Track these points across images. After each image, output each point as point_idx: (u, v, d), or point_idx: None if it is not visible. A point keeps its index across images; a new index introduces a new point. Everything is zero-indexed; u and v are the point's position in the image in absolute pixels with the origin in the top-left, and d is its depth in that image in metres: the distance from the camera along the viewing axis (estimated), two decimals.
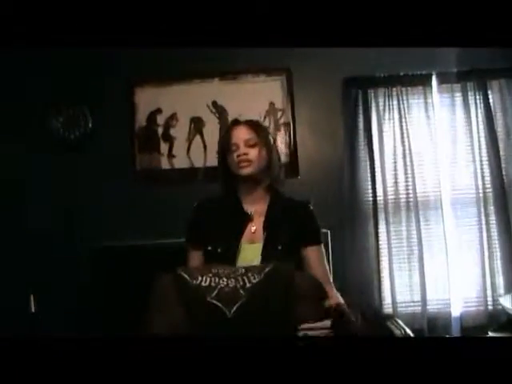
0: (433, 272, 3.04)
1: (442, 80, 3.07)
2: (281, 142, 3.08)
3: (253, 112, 3.04)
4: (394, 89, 3.07)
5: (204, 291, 1.62)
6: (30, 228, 3.00)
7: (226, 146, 2.00)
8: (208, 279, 1.66)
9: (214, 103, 3.08)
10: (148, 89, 3.10)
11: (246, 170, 1.95)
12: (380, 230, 3.04)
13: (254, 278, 1.66)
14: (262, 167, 1.98)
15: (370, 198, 3.05)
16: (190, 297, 1.63)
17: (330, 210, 2.97)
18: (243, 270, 1.69)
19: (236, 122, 2.04)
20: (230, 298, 1.60)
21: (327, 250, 2.51)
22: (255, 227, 1.97)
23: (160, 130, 3.10)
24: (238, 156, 1.95)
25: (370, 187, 3.06)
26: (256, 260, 1.89)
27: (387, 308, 3.02)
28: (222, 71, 3.11)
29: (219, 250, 1.92)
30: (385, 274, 3.03)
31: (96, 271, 2.67)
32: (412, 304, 3.04)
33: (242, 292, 1.62)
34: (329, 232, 2.60)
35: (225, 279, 1.66)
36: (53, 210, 3.06)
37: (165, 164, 3.09)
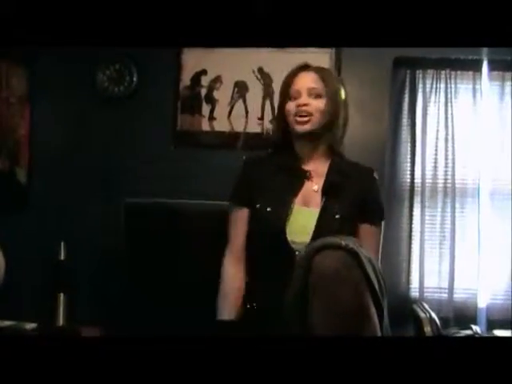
0: (463, 261, 3.00)
1: (494, 67, 2.99)
2: None
3: None
4: (443, 72, 3.01)
5: None
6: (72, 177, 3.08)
7: (287, 91, 1.77)
8: None
9: (260, 70, 3.05)
10: (195, 49, 3.08)
11: (304, 127, 1.73)
12: (414, 213, 3.00)
13: None
14: (324, 123, 1.74)
15: (408, 180, 3.02)
16: None
17: None
18: None
19: (305, 67, 1.79)
20: None
21: None
22: (316, 186, 1.78)
23: (203, 92, 3.09)
24: (298, 106, 1.72)
25: (408, 169, 3.02)
26: (309, 227, 1.70)
27: (414, 292, 2.99)
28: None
29: (268, 209, 1.73)
30: (414, 257, 2.99)
31: (125, 225, 2.65)
32: (439, 290, 3.00)
33: None
34: None
35: None
36: (91, 162, 3.11)
37: (205, 126, 3.08)
